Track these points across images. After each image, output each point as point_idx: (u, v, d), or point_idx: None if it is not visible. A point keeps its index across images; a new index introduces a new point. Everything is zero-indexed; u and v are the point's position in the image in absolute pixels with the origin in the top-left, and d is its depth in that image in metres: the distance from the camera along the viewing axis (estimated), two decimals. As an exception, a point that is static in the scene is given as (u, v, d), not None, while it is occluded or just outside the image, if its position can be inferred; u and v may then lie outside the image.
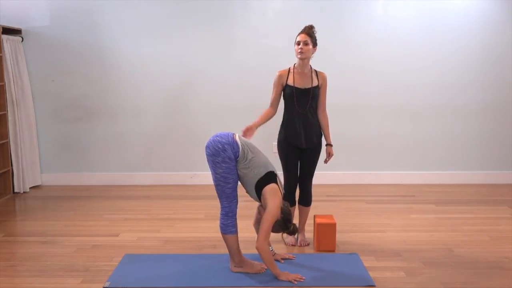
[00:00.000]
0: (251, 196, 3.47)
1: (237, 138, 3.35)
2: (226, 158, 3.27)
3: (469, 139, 6.13)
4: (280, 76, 3.91)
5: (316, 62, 6.19)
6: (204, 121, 5.99)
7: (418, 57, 5.95)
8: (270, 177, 3.35)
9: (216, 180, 3.34)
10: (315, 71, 3.95)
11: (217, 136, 3.36)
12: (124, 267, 3.58)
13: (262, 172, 3.34)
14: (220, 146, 3.28)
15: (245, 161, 3.31)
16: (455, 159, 6.16)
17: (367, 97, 6.01)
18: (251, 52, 5.87)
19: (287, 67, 3.95)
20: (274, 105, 3.95)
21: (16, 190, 5.71)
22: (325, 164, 4.09)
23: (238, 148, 3.30)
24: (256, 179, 3.33)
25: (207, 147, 3.34)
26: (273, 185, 3.33)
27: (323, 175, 6.03)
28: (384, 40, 5.92)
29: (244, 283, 3.33)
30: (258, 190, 3.35)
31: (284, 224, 3.40)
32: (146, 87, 5.98)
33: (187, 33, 5.88)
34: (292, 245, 4.01)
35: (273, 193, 3.31)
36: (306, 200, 4.05)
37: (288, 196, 3.88)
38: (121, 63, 5.94)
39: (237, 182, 3.38)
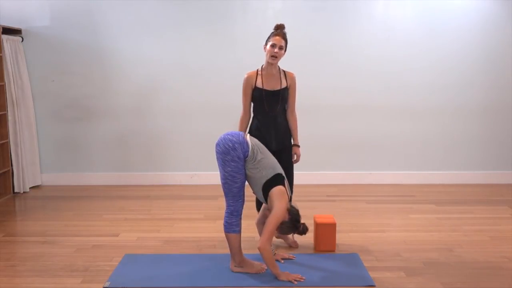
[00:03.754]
0: (258, 197, 3.47)
1: (247, 138, 3.36)
2: (235, 157, 3.28)
3: (469, 139, 6.13)
4: (248, 79, 3.84)
5: (315, 62, 6.21)
6: (204, 121, 5.99)
7: (418, 57, 5.95)
8: (278, 179, 3.36)
9: (224, 178, 3.34)
10: (284, 71, 3.88)
11: (228, 134, 3.37)
12: (124, 267, 3.58)
13: (270, 173, 3.34)
14: (231, 145, 3.28)
15: (254, 161, 3.32)
16: (455, 159, 6.16)
17: (367, 97, 6.01)
18: (251, 52, 5.85)
19: (255, 69, 3.88)
20: (248, 109, 3.89)
21: (16, 190, 5.71)
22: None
23: (248, 147, 3.31)
24: (264, 180, 3.33)
25: (217, 144, 3.35)
26: (280, 187, 3.34)
27: (323, 175, 6.04)
28: (384, 40, 5.92)
29: (244, 283, 3.33)
30: (265, 191, 3.35)
31: (293, 225, 3.39)
32: (146, 87, 5.98)
33: (187, 33, 5.88)
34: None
35: (280, 195, 3.31)
36: None
37: (258, 200, 3.88)
38: (121, 63, 5.94)
39: (245, 182, 3.38)
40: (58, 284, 3.34)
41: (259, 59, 6.20)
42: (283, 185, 3.37)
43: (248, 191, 3.45)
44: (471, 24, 5.91)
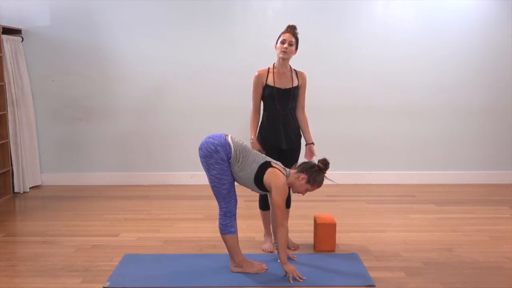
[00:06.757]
0: (258, 192, 3.45)
1: (229, 139, 3.33)
2: (219, 160, 3.26)
3: (469, 139, 6.13)
4: (259, 76, 3.81)
5: (315, 62, 6.19)
6: (204, 121, 5.98)
7: (418, 57, 5.95)
8: (264, 166, 3.32)
9: (211, 181, 3.34)
10: (295, 70, 3.88)
11: (209, 137, 3.35)
12: (124, 267, 3.58)
13: (255, 167, 3.32)
14: (213, 148, 3.27)
15: (238, 163, 3.30)
16: (455, 159, 6.16)
17: (367, 97, 6.01)
18: (251, 52, 5.87)
19: (266, 67, 3.86)
20: (258, 107, 3.87)
21: (16, 190, 5.71)
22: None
23: (231, 149, 3.29)
24: (252, 176, 3.31)
25: (200, 148, 3.34)
26: (268, 170, 3.31)
27: (323, 175, 6.03)
28: (384, 40, 5.92)
29: (244, 283, 3.33)
30: (259, 184, 3.34)
31: (315, 172, 3.32)
32: (145, 87, 5.99)
33: (187, 33, 5.89)
34: (271, 251, 3.87)
35: (273, 175, 3.29)
36: (286, 202, 3.92)
37: (264, 200, 3.86)
38: (121, 63, 5.94)
39: (233, 182, 3.37)
40: (58, 284, 3.34)
41: (260, 59, 6.23)
42: (271, 166, 3.34)
43: (242, 190, 3.43)
44: (471, 24, 5.92)
